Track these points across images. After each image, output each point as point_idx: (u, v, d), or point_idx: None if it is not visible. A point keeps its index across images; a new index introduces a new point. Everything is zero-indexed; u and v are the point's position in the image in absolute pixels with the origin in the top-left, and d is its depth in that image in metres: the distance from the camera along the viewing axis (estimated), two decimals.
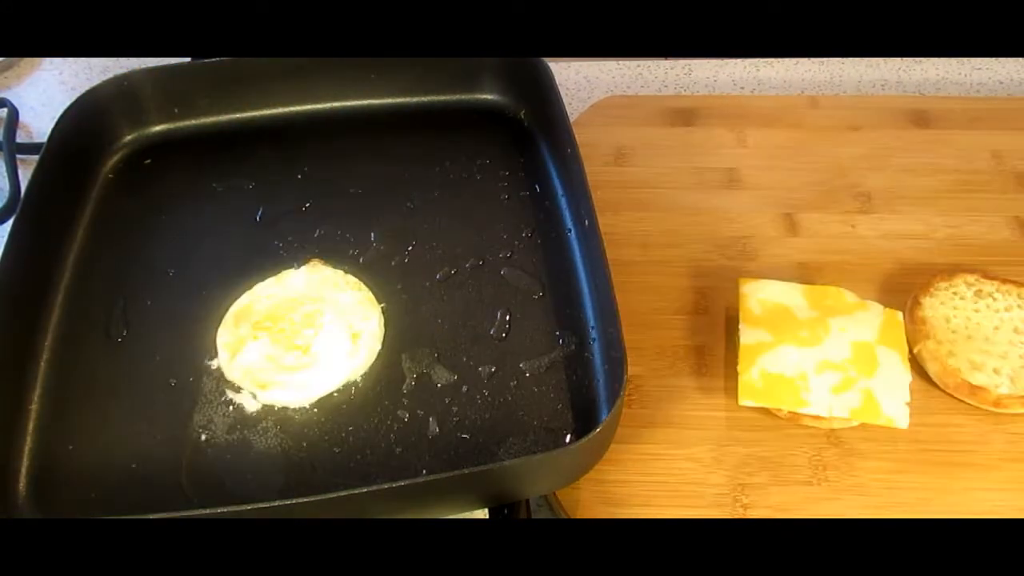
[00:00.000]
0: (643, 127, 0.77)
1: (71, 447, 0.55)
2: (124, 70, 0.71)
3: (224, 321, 0.60)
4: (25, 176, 0.73)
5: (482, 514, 0.53)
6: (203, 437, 0.55)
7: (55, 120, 0.66)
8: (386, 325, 0.60)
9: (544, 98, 0.68)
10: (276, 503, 0.46)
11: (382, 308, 0.60)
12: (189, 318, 0.61)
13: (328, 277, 0.62)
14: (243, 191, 0.69)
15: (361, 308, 0.60)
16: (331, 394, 0.57)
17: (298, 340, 0.58)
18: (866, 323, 0.59)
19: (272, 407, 0.56)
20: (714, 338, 0.62)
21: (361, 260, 0.64)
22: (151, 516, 0.45)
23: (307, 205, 0.68)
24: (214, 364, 0.58)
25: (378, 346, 0.59)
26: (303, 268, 0.62)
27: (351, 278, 0.62)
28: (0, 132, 0.78)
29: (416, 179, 0.70)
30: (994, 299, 0.62)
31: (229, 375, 0.57)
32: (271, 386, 0.56)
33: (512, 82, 0.74)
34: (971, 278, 0.63)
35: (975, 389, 0.57)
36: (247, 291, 0.61)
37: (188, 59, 0.72)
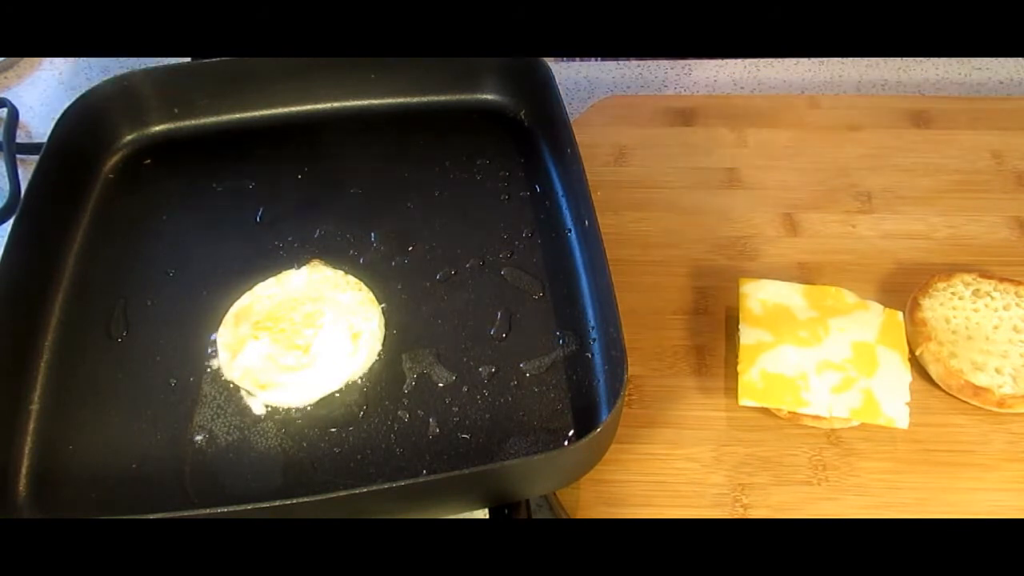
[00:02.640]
0: (643, 127, 0.77)
1: (71, 447, 0.55)
2: (124, 70, 0.71)
3: (224, 321, 0.60)
4: (25, 176, 0.73)
5: (482, 514, 0.53)
6: (203, 437, 0.55)
7: (55, 120, 0.66)
8: (386, 325, 0.60)
9: (544, 98, 0.68)
10: (276, 503, 0.46)
11: (382, 308, 0.60)
12: (189, 318, 0.61)
13: (328, 277, 0.62)
14: (243, 191, 0.69)
15: (362, 308, 0.60)
16: (331, 394, 0.57)
17: (298, 340, 0.58)
18: (866, 323, 0.59)
19: (272, 407, 0.56)
20: (714, 338, 0.62)
21: (361, 260, 0.64)
22: (151, 516, 0.45)
23: (307, 205, 0.68)
24: (214, 364, 0.58)
25: (378, 346, 0.59)
26: (304, 268, 0.62)
27: (351, 278, 0.62)
28: (0, 132, 0.78)
29: (416, 179, 0.70)
30: (992, 298, 0.62)
31: (229, 375, 0.57)
32: (271, 386, 0.56)
33: (512, 82, 0.73)
34: (968, 278, 0.63)
35: (979, 390, 0.57)
36: (247, 291, 0.61)
37: (188, 59, 0.72)
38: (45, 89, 0.87)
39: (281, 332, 0.59)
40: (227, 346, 0.58)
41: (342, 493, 0.46)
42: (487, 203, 0.68)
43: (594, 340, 0.58)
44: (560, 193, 0.67)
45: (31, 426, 0.56)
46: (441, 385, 0.57)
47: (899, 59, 0.87)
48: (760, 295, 0.61)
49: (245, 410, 0.56)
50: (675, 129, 0.77)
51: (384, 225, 0.66)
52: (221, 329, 0.59)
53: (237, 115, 0.74)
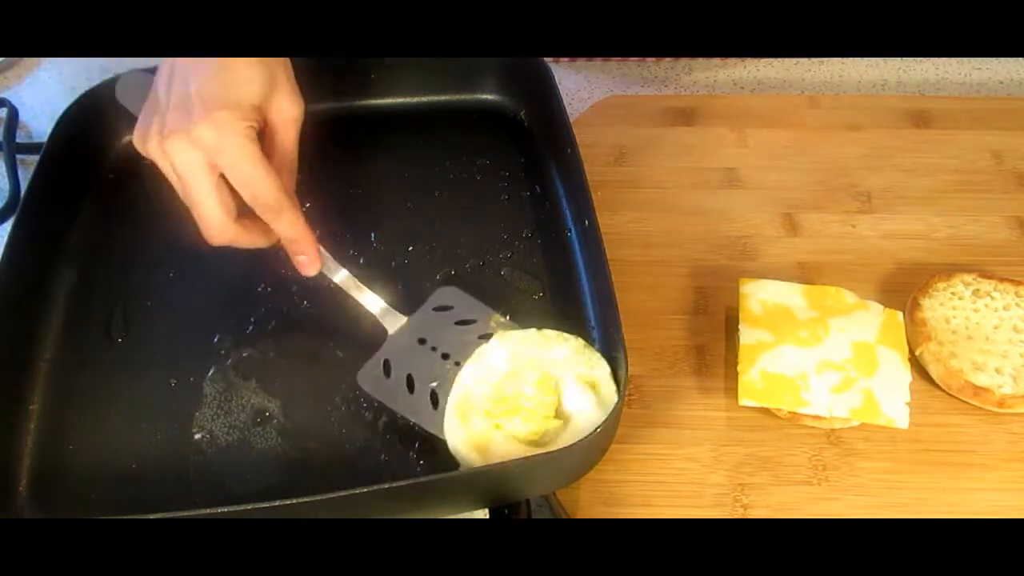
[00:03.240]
0: (643, 127, 0.77)
1: (71, 447, 0.55)
2: (124, 70, 0.70)
3: (448, 424, 0.54)
4: (25, 176, 0.73)
5: (482, 514, 0.53)
6: (203, 437, 0.55)
7: (55, 120, 0.66)
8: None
9: (544, 98, 0.68)
10: (276, 503, 0.46)
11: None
12: (189, 318, 0.61)
13: (524, 337, 0.56)
14: None
15: (581, 357, 0.55)
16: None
17: (544, 410, 0.53)
18: (866, 323, 0.59)
19: (270, 409, 0.56)
20: (714, 338, 0.62)
21: (361, 260, 0.64)
22: (151, 516, 0.45)
23: (307, 205, 0.68)
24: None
25: (616, 387, 0.54)
26: (493, 340, 0.56)
27: (548, 331, 0.56)
28: (0, 132, 0.78)
29: (416, 179, 0.70)
30: (992, 298, 0.62)
31: None
32: None
33: (512, 82, 0.74)
34: (968, 278, 0.63)
35: (979, 390, 0.57)
36: (454, 384, 0.55)
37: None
38: (45, 89, 0.87)
39: (524, 410, 0.53)
40: (471, 448, 0.52)
41: (342, 493, 0.46)
42: (487, 203, 0.68)
43: (594, 340, 0.58)
44: (560, 193, 0.67)
45: (31, 426, 0.56)
46: None
47: (899, 59, 0.87)
48: (760, 295, 0.61)
49: (245, 410, 0.56)
50: (675, 129, 0.77)
51: (384, 225, 0.66)
52: (448, 434, 0.53)
53: None
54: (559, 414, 0.53)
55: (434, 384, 0.55)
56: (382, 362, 0.56)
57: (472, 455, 0.52)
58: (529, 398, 0.53)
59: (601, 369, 0.54)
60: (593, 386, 0.53)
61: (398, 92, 0.75)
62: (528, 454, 0.51)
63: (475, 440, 0.52)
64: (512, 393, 0.54)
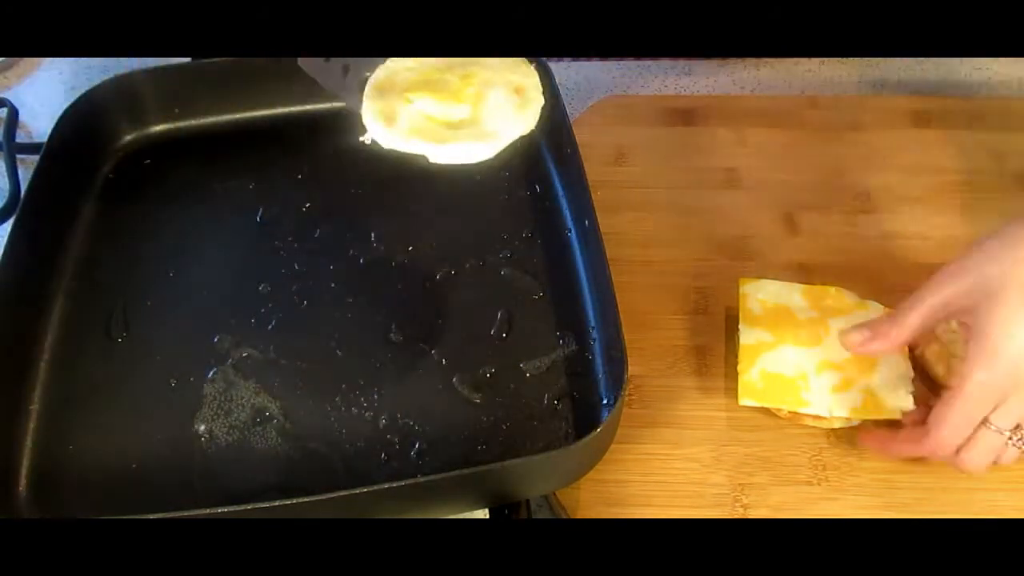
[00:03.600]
0: (643, 127, 0.77)
1: (71, 447, 0.55)
2: (124, 70, 0.71)
3: (365, 97, 0.55)
4: (25, 176, 0.73)
5: (482, 514, 0.53)
6: (203, 437, 0.55)
7: (55, 120, 0.66)
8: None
9: (544, 98, 0.68)
10: (276, 503, 0.46)
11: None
12: (189, 318, 0.61)
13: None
14: (243, 191, 0.69)
15: (514, 65, 0.56)
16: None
17: (459, 96, 0.54)
18: None
19: (270, 409, 0.56)
20: (714, 338, 0.62)
21: (361, 261, 0.64)
22: (151, 516, 0.45)
23: (307, 205, 0.68)
24: (366, 139, 0.54)
25: (543, 100, 0.56)
26: None
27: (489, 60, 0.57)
28: (0, 132, 0.78)
29: (416, 179, 0.69)
30: None
31: (388, 143, 0.53)
32: (450, 139, 0.53)
33: None
34: None
35: None
36: (379, 66, 0.56)
37: (188, 59, 0.72)
38: (45, 89, 0.87)
39: (441, 90, 0.54)
40: (379, 114, 0.53)
41: (342, 493, 0.46)
42: (487, 203, 0.68)
43: (594, 340, 0.58)
44: (560, 193, 0.67)
45: (31, 426, 0.56)
46: (440, 386, 0.57)
47: (899, 59, 0.87)
48: (760, 295, 0.61)
49: (245, 410, 0.56)
50: (675, 129, 0.77)
51: (384, 225, 0.66)
52: (365, 105, 0.54)
53: (237, 115, 0.74)
54: (475, 101, 0.54)
55: (368, 74, 0.56)
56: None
57: (378, 122, 0.53)
58: (448, 83, 0.54)
59: (531, 78, 0.56)
60: (518, 90, 0.54)
61: None
62: (435, 132, 0.52)
63: (384, 110, 0.53)
64: (434, 79, 0.55)
